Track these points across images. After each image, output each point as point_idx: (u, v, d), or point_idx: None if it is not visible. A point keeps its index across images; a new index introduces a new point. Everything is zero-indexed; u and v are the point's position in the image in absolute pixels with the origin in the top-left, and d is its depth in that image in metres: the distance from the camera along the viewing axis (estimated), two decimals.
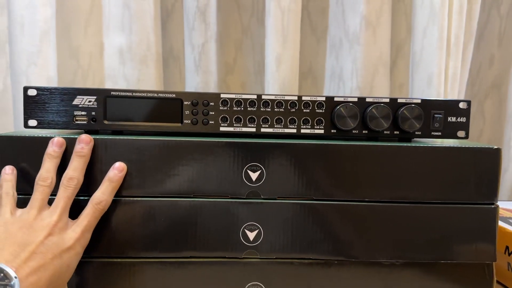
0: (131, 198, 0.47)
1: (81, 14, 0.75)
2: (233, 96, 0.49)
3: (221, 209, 0.47)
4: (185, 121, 0.49)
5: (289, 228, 0.48)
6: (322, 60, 0.85)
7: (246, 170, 0.47)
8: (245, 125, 0.49)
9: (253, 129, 0.49)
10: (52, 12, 0.70)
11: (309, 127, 0.50)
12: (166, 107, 0.49)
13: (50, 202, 0.44)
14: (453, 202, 0.48)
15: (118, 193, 0.46)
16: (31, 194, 0.44)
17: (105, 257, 0.47)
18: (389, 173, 0.48)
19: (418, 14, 0.78)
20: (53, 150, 0.45)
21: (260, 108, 0.49)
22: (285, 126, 0.49)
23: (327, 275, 0.49)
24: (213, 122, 0.49)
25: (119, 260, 0.47)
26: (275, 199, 0.48)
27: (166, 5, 0.80)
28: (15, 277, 0.38)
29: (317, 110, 0.49)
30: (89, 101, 0.48)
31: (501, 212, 0.65)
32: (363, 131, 0.50)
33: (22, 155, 0.46)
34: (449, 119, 0.50)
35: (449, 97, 0.78)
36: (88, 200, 0.45)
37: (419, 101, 0.49)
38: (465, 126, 0.50)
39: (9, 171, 0.45)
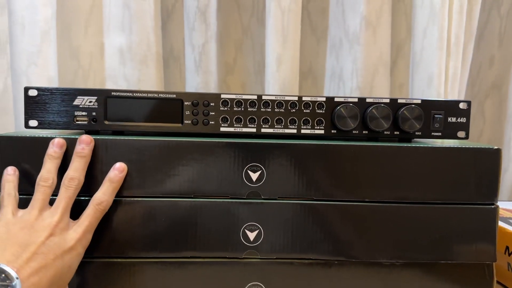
0: (132, 198, 0.47)
1: (81, 14, 0.75)
2: (233, 96, 0.49)
3: (222, 209, 0.47)
4: (186, 122, 0.49)
5: (289, 228, 0.48)
6: (322, 60, 0.85)
7: (246, 170, 0.47)
8: (245, 126, 0.49)
9: (254, 130, 0.49)
10: (53, 12, 0.70)
11: (310, 127, 0.50)
12: (166, 108, 0.49)
13: (51, 203, 0.44)
14: (453, 203, 0.48)
15: (119, 193, 0.46)
16: (32, 195, 0.44)
17: (105, 257, 0.47)
18: (389, 174, 0.48)
19: (418, 14, 0.78)
20: (54, 151, 0.45)
21: (261, 109, 0.49)
22: (286, 127, 0.49)
23: (327, 275, 0.49)
24: (214, 122, 0.49)
25: (119, 260, 0.47)
26: (275, 199, 0.48)
27: (167, 5, 0.80)
28: (17, 278, 0.38)
29: (318, 111, 0.49)
30: (90, 102, 0.48)
31: (501, 213, 0.65)
32: (363, 132, 0.50)
33: (23, 155, 0.46)
34: (449, 119, 0.50)
35: (449, 98, 0.78)
36: (89, 200, 0.45)
37: (419, 101, 0.49)
38: (465, 127, 0.50)
39: (11, 172, 0.45)
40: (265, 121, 0.49)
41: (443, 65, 0.76)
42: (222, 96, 0.49)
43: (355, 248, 0.48)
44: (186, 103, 0.49)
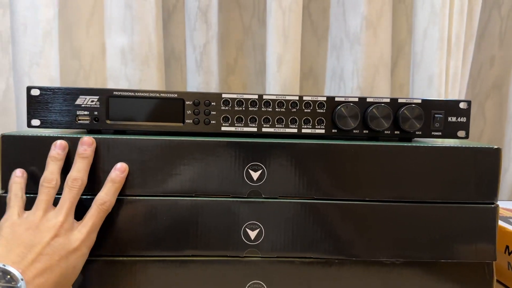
0: (133, 197, 0.47)
1: (83, 14, 0.75)
2: (234, 96, 0.49)
3: (223, 208, 0.48)
4: (187, 121, 0.49)
5: (290, 227, 0.48)
6: (323, 61, 0.85)
7: (247, 169, 0.47)
8: (246, 125, 0.49)
9: (255, 129, 0.50)
10: (55, 13, 0.71)
11: (310, 127, 0.50)
12: (168, 107, 0.49)
13: (55, 204, 0.44)
14: (453, 202, 0.49)
15: (121, 192, 0.46)
16: (35, 193, 0.45)
17: (107, 255, 0.47)
18: (390, 173, 0.48)
19: (418, 15, 0.78)
20: (57, 152, 0.45)
21: (262, 108, 0.49)
22: (286, 126, 0.50)
23: (328, 274, 0.49)
24: (215, 122, 0.49)
25: (121, 258, 0.48)
26: (276, 198, 0.48)
27: (168, 5, 0.81)
28: (22, 279, 0.38)
29: (318, 110, 0.50)
30: (92, 101, 0.48)
31: (501, 212, 0.65)
32: (364, 131, 0.50)
33: (25, 154, 0.46)
34: (449, 119, 0.50)
35: (450, 98, 0.78)
36: (91, 199, 0.45)
37: (419, 101, 0.50)
38: (466, 126, 0.51)
39: (19, 174, 0.45)
40: (266, 120, 0.49)
41: (444, 66, 0.76)
42: (223, 95, 0.49)
43: (355, 247, 0.48)
44: (187, 102, 0.49)
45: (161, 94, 0.49)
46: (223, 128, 0.49)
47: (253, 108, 0.49)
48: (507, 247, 0.58)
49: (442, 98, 0.77)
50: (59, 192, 0.45)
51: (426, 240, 0.49)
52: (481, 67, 0.90)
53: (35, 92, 0.48)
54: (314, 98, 0.50)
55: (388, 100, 0.50)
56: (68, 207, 0.44)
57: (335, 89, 0.83)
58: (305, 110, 0.50)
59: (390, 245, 0.49)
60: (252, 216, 0.48)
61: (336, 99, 0.50)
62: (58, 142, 0.46)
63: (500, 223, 0.58)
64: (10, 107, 0.76)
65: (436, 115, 0.50)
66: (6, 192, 0.46)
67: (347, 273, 0.49)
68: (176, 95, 0.49)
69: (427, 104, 0.50)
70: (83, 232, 0.44)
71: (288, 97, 0.49)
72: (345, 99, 0.49)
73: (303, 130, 0.50)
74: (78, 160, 0.45)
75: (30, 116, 0.48)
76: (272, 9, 0.74)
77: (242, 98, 0.49)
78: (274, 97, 0.49)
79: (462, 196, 0.49)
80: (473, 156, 0.48)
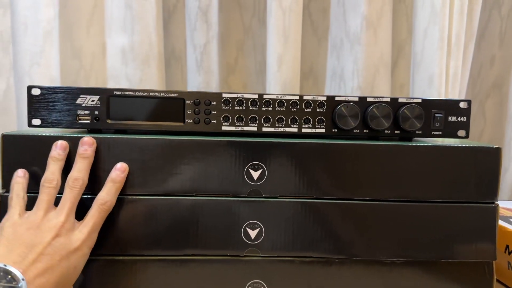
0: (134, 197, 0.47)
1: (83, 14, 0.76)
2: (235, 95, 0.49)
3: (223, 208, 0.48)
4: (187, 120, 0.49)
5: (290, 227, 0.48)
6: (323, 61, 0.85)
7: (247, 169, 0.47)
8: (246, 124, 0.49)
9: (255, 128, 0.50)
10: (55, 13, 0.71)
11: (310, 126, 0.50)
12: (168, 107, 0.49)
13: (55, 204, 0.44)
14: (453, 201, 0.49)
15: (121, 192, 0.46)
16: (35, 192, 0.45)
17: (107, 255, 0.47)
18: (390, 172, 0.48)
19: (419, 15, 0.78)
20: (58, 153, 0.45)
21: (262, 108, 0.49)
22: (287, 126, 0.50)
23: (328, 274, 0.49)
24: (215, 121, 0.49)
25: (121, 258, 0.48)
26: (276, 197, 0.48)
27: (168, 5, 0.81)
28: (23, 279, 0.38)
29: (318, 110, 0.50)
30: (92, 101, 0.48)
31: (502, 212, 0.65)
32: (364, 131, 0.50)
33: (26, 153, 0.46)
34: (449, 118, 0.50)
35: (450, 97, 0.78)
36: (92, 198, 0.45)
37: (419, 100, 0.50)
38: (466, 126, 0.51)
39: (21, 174, 0.46)
40: (266, 120, 0.49)
41: (444, 65, 0.76)
42: (224, 95, 0.49)
43: (355, 246, 0.49)
44: (187, 102, 0.49)
45: (161, 94, 0.49)
46: (223, 128, 0.49)
47: (254, 108, 0.49)
48: (507, 246, 0.58)
49: (442, 97, 0.77)
50: (60, 192, 0.45)
51: (426, 240, 0.49)
52: (481, 67, 0.90)
53: (35, 92, 0.48)
54: (315, 98, 0.50)
55: (388, 100, 0.50)
56: (69, 207, 0.44)
57: (335, 89, 0.83)
58: (305, 110, 0.50)
59: (390, 244, 0.49)
60: (252, 216, 0.48)
61: (336, 98, 0.50)
62: (59, 142, 0.46)
63: (500, 222, 0.58)
64: (11, 107, 0.76)
65: (436, 115, 0.50)
66: (7, 191, 0.46)
67: (347, 273, 0.49)
68: (176, 95, 0.49)
69: (427, 104, 0.50)
70: (84, 232, 0.44)
71: (288, 97, 0.49)
72: (345, 98, 0.50)
73: (304, 130, 0.50)
74: (78, 160, 0.45)
75: (31, 115, 0.48)
76: (272, 9, 0.74)
77: (243, 98, 0.49)
78: (274, 97, 0.49)
79: (462, 196, 0.49)
80: (473, 155, 0.48)
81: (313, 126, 0.50)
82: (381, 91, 0.80)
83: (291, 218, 0.48)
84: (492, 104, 0.91)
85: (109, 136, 0.47)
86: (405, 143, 0.49)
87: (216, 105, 0.49)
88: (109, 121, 0.49)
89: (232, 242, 0.48)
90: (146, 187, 0.47)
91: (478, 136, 0.92)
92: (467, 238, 0.49)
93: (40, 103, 0.48)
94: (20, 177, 0.45)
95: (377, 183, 0.48)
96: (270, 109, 0.49)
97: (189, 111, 0.49)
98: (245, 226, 0.48)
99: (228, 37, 0.82)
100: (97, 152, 0.46)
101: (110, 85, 0.77)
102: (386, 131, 0.50)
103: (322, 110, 0.50)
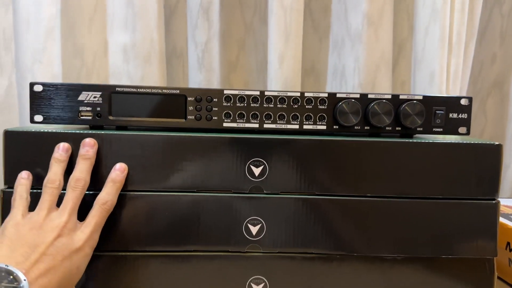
0: (135, 193, 0.47)
1: (85, 12, 0.76)
2: (236, 92, 0.49)
3: (224, 204, 0.48)
4: (189, 117, 0.49)
5: (291, 223, 0.48)
6: (325, 58, 0.85)
7: (249, 165, 0.48)
8: (248, 121, 0.50)
9: (256, 125, 0.50)
10: (57, 10, 0.71)
11: (312, 123, 0.50)
12: (170, 103, 0.49)
13: (58, 205, 0.45)
14: (454, 198, 0.49)
15: (123, 188, 0.47)
16: (37, 189, 0.45)
17: (109, 251, 0.48)
18: (391, 169, 0.48)
19: (420, 13, 0.78)
20: (60, 154, 0.46)
21: (263, 104, 0.49)
22: (288, 122, 0.50)
23: (329, 270, 0.49)
24: (217, 118, 0.49)
25: (123, 254, 0.48)
26: (277, 194, 0.48)
27: (170, 3, 0.81)
28: (24, 280, 0.38)
29: (320, 106, 0.50)
30: (94, 97, 0.48)
31: (502, 209, 0.65)
32: (365, 127, 0.50)
33: (28, 150, 0.47)
34: (450, 115, 0.50)
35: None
36: (94, 195, 0.46)
37: (420, 97, 0.50)
38: (467, 123, 0.51)
39: (25, 176, 0.46)
40: (268, 116, 0.50)
41: (445, 63, 0.76)
42: (225, 91, 0.49)
43: (356, 242, 0.49)
44: (189, 98, 0.49)
45: (163, 90, 0.49)
46: (225, 124, 0.49)
47: (255, 104, 0.49)
48: (508, 243, 0.58)
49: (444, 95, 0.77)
50: (63, 193, 0.45)
51: (427, 236, 0.49)
52: (482, 65, 0.90)
53: (38, 88, 0.48)
54: (316, 95, 0.50)
55: (389, 97, 0.50)
56: (71, 207, 0.44)
57: (337, 86, 0.83)
58: (306, 107, 0.50)
59: (391, 241, 0.49)
60: (253, 212, 0.48)
61: (338, 95, 0.50)
62: (61, 144, 0.46)
63: (502, 220, 0.58)
64: (13, 104, 0.76)
65: (437, 112, 0.50)
66: (9, 187, 0.46)
67: (348, 269, 0.49)
68: (178, 91, 0.49)
69: (428, 101, 0.50)
70: (86, 232, 0.44)
71: (289, 94, 0.49)
72: (346, 95, 0.50)
73: (305, 126, 0.50)
74: (80, 161, 0.46)
75: (33, 111, 0.48)
76: (273, 7, 0.74)
77: (244, 94, 0.49)
78: (275, 93, 0.49)
79: (463, 192, 0.49)
80: (474, 152, 0.48)
81: (314, 123, 0.50)
82: (382, 89, 0.80)
83: (292, 215, 0.48)
84: (493, 102, 0.91)
85: (110, 133, 0.47)
86: (406, 140, 0.49)
87: (218, 102, 0.49)
88: (111, 117, 0.49)
89: (233, 238, 0.48)
90: (148, 183, 0.47)
91: (479, 134, 0.92)
92: (468, 234, 0.49)
93: (42, 99, 0.48)
94: (24, 178, 0.46)
95: (378, 180, 0.48)
96: (272, 106, 0.50)
97: (190, 108, 0.49)
98: (247, 222, 0.48)
99: (230, 35, 0.82)
100: (99, 148, 0.47)
101: (112, 82, 0.77)
102: (387, 128, 0.50)
103: (323, 107, 0.50)
